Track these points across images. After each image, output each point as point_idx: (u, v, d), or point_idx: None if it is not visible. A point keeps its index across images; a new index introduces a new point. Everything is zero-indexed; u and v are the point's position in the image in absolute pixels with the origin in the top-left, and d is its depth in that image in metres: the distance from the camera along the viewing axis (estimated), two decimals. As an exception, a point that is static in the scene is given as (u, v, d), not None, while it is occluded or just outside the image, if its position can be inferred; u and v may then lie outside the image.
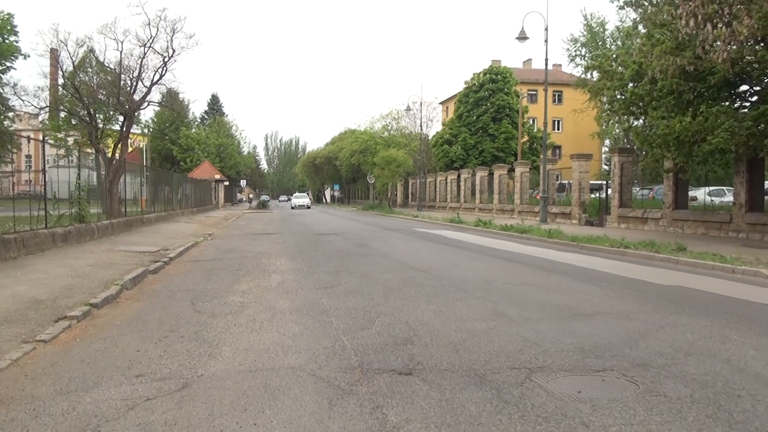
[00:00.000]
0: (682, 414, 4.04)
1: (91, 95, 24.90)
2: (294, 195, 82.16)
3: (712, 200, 22.04)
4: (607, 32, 47.45)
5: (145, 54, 25.31)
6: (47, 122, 30.74)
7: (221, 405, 4.30)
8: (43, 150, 14.82)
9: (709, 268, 11.79)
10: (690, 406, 4.17)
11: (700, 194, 22.81)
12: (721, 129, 15.04)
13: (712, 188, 23.30)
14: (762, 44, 15.30)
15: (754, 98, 17.27)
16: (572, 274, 11.07)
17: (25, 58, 30.09)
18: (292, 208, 62.78)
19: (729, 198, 21.89)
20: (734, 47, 13.74)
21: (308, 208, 62.25)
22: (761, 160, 17.64)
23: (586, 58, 47.11)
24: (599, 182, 31.23)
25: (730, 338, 6.07)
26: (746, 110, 16.50)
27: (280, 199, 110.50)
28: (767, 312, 7.50)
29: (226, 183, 67.41)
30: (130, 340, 6.16)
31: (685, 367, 5.07)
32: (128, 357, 5.55)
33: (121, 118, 26.45)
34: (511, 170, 37.34)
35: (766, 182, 18.54)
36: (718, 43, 13.25)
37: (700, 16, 13.05)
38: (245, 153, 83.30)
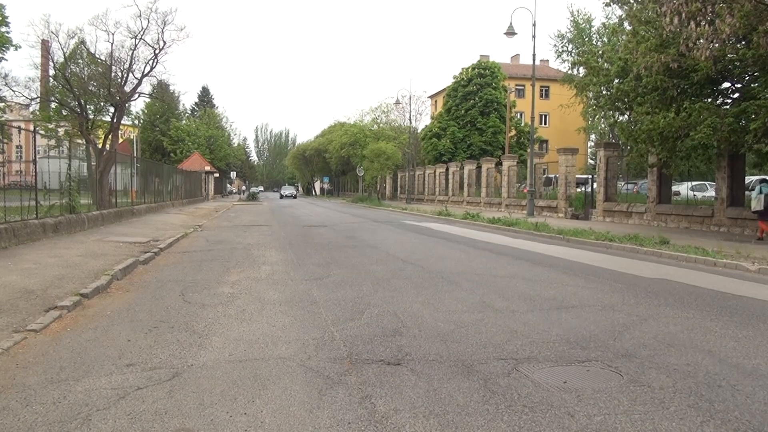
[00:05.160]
0: (664, 404, 4.07)
1: (81, 86, 24.67)
2: (282, 187, 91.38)
3: (694, 195, 22.22)
4: (593, 29, 47.62)
5: (136, 46, 25.15)
6: (38, 113, 30.44)
7: (211, 394, 4.28)
8: (34, 140, 14.66)
9: (692, 261, 11.89)
10: (672, 396, 4.21)
11: (683, 189, 23.00)
12: (703, 125, 15.14)
13: (694, 183, 23.51)
14: (743, 42, 15.40)
15: (736, 95, 17.41)
16: (558, 266, 11.12)
17: (16, 48, 29.81)
18: (280, 198, 70.76)
19: (711, 193, 22.11)
20: (717, 45, 13.81)
21: (294, 198, 70.92)
22: (742, 156, 17.80)
23: (572, 54, 47.25)
24: (585, 176, 31.34)
25: (711, 330, 6.13)
26: (728, 107, 16.62)
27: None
28: (748, 304, 7.57)
29: (216, 175, 67.00)
30: (120, 330, 6.12)
31: (667, 358, 5.11)
32: (119, 347, 5.51)
33: (112, 110, 26.25)
34: (499, 164, 37.38)
35: (746, 178, 18.70)
36: (701, 41, 13.32)
37: (683, 14, 13.09)
38: (235, 145, 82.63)
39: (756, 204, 15.23)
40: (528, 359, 5.09)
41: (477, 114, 51.58)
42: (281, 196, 72.80)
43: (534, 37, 26.44)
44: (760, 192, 15.12)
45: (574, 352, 5.31)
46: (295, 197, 72.32)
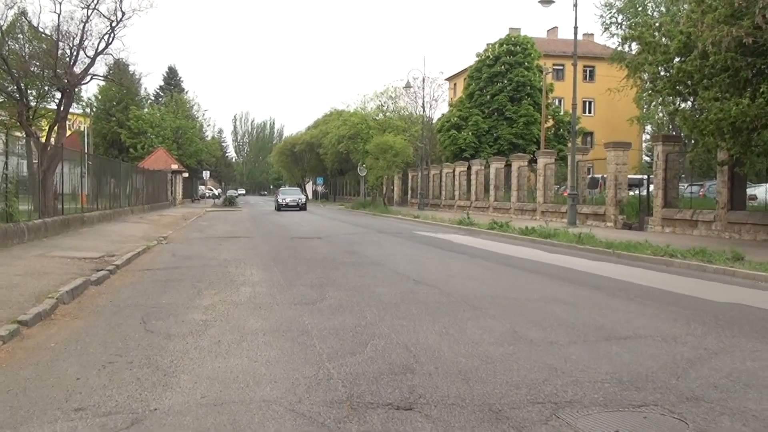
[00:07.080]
0: (740, 459, 4.04)
1: (21, 67, 24.77)
2: (281, 190, 63.29)
3: (775, 199, 22.10)
4: (648, -5, 47.64)
5: (88, 17, 25.19)
6: (-32, 100, 30.63)
7: (179, 446, 4.27)
8: (-37, 133, 14.75)
9: (772, 282, 11.85)
10: (750, 450, 4.17)
11: (761, 192, 22.89)
12: (786, 114, 15.11)
13: (775, 185, 23.38)
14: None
15: (827, 77, 17.33)
16: (607, 288, 11.10)
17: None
18: (278, 209, 50.19)
19: (795, 197, 21.97)
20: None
21: (303, 208, 50.38)
22: (835, 151, 17.74)
23: (623, 27, 47.25)
24: (639, 177, 31.31)
25: (797, 367, 6.09)
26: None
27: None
28: (842, 335, 7.52)
29: (186, 174, 67.26)
30: (67, 366, 6.12)
31: (743, 402, 5.08)
32: (66, 387, 5.51)
33: (59, 95, 26.34)
34: (533, 161, 37.41)
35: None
36: (783, 9, 13.32)
37: (761, -23, 13.11)
38: (209, 138, 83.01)
39: None
40: (570, 403, 5.07)
41: (506, 100, 51.67)
42: (279, 206, 51.14)
43: (575, 5, 26.50)
44: None
45: (628, 394, 5.28)
46: (304, 207, 51.41)
